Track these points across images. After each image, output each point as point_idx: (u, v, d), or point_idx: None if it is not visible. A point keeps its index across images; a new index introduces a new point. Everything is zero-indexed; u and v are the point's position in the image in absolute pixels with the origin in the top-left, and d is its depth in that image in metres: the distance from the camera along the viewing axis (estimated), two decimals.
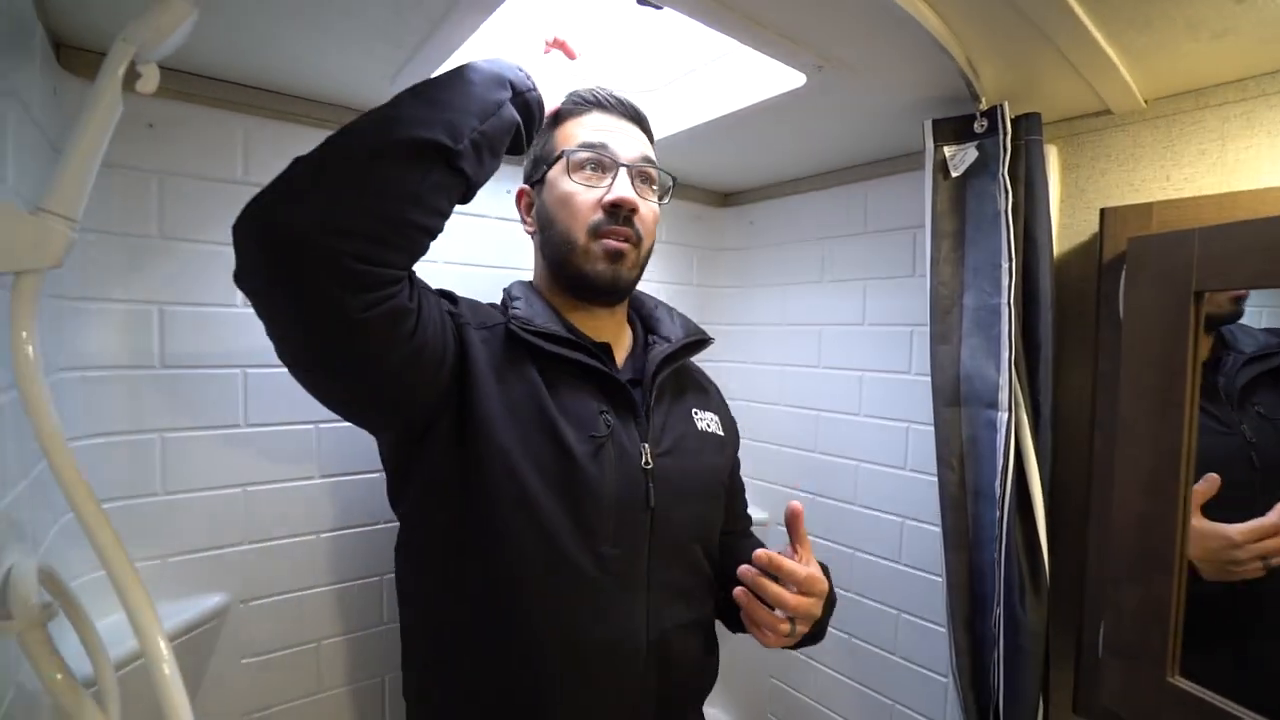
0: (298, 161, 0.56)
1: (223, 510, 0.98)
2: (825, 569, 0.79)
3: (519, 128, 0.69)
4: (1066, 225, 1.00)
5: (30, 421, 0.52)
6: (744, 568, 0.73)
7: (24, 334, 0.52)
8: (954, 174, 0.95)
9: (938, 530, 0.99)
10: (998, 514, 0.90)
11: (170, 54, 0.59)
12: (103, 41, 0.83)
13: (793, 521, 0.75)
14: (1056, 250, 0.97)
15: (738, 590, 0.74)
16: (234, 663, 0.99)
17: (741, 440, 1.03)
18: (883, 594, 1.28)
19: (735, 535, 0.97)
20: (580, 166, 0.80)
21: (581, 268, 0.80)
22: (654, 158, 0.86)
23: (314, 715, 1.07)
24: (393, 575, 1.11)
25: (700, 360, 0.99)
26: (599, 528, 0.73)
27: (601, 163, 0.80)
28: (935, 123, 0.96)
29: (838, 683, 1.37)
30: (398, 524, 0.81)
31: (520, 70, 0.69)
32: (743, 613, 0.75)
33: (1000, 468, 0.90)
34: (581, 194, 0.80)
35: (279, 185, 0.55)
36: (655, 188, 0.86)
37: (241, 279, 0.57)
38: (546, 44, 0.81)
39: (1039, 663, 0.89)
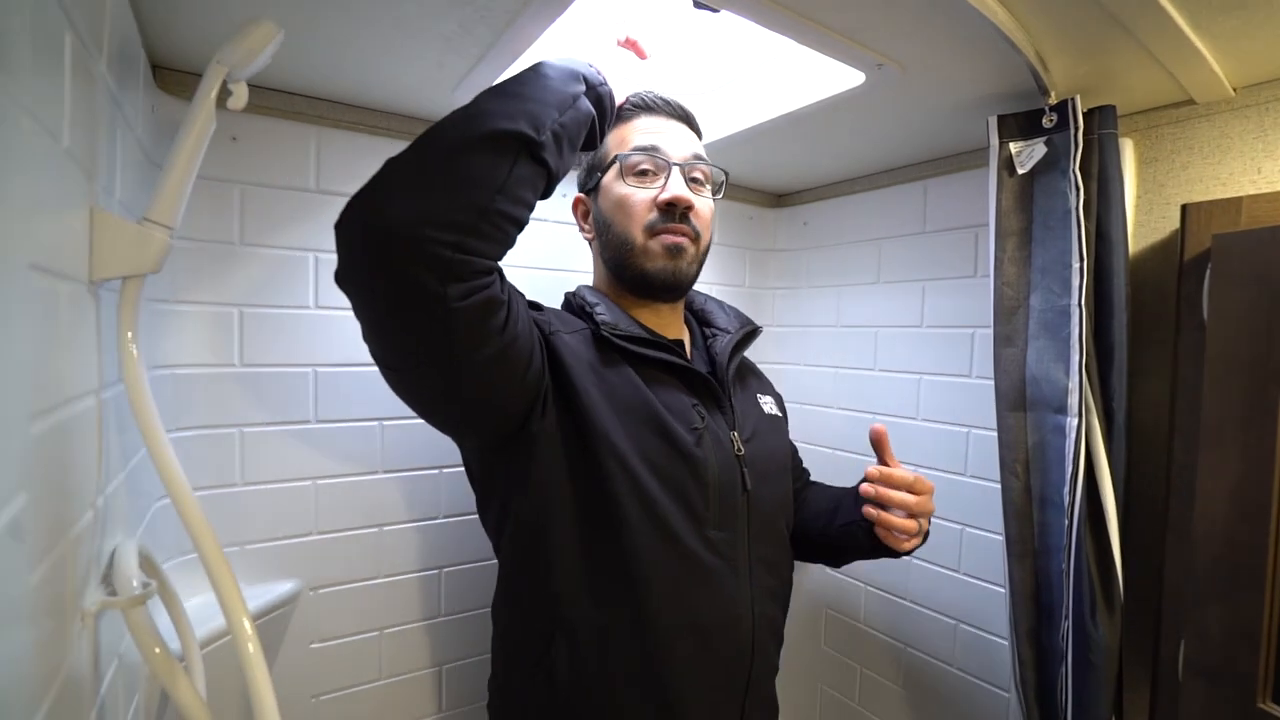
0: (391, 162, 0.58)
1: (294, 501, 1.03)
2: None
3: (593, 122, 0.71)
4: (1143, 223, 0.96)
5: (134, 416, 0.56)
6: (864, 486, 0.81)
7: (129, 334, 0.56)
8: (1020, 171, 0.92)
9: (999, 538, 0.96)
10: (1066, 523, 0.87)
11: (258, 71, 0.63)
12: (194, 62, 0.89)
13: (879, 441, 0.83)
14: (1132, 249, 0.93)
15: (867, 508, 0.81)
16: (304, 647, 1.04)
17: (794, 444, 1.05)
18: (940, 603, 1.25)
19: (800, 488, 1.02)
20: (633, 169, 0.82)
21: (643, 266, 0.82)
22: (704, 155, 0.87)
23: (376, 700, 1.11)
24: (450, 569, 1.17)
25: (753, 361, 1.02)
26: (705, 514, 0.77)
27: (654, 164, 0.82)
28: (1000, 118, 0.93)
29: (893, 693, 1.34)
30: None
31: (591, 66, 0.72)
32: (877, 527, 0.82)
33: (1069, 475, 0.86)
34: (636, 195, 0.82)
35: (376, 183, 0.57)
36: (708, 184, 0.87)
37: (343, 276, 0.59)
38: (618, 41, 0.83)
39: (1111, 681, 0.85)
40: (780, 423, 0.96)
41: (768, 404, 0.94)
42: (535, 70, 0.66)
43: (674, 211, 0.81)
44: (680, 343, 0.86)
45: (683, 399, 0.80)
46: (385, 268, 0.56)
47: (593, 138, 0.72)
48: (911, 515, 0.79)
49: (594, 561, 0.74)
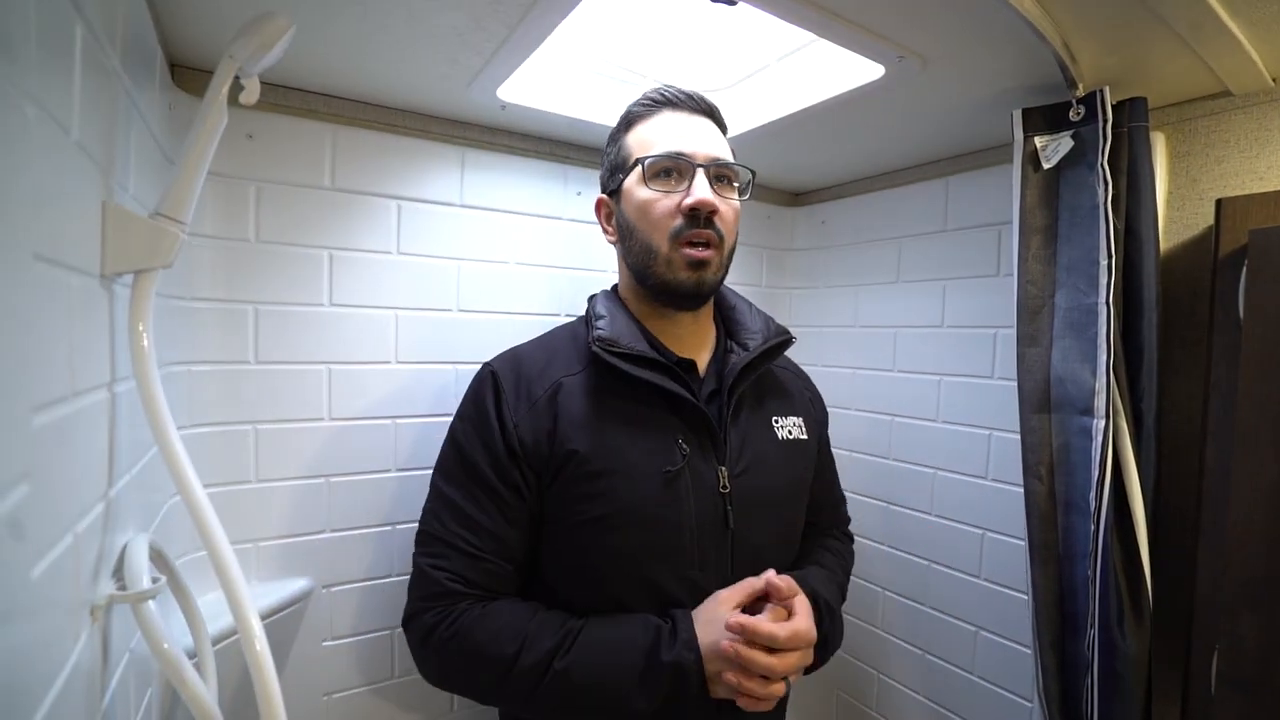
0: (454, 677, 0.79)
1: (308, 499, 1.03)
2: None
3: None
4: (1175, 219, 0.92)
5: (144, 409, 0.56)
6: (725, 644, 0.69)
7: (140, 328, 0.56)
8: (1046, 166, 0.89)
9: (1022, 544, 0.93)
10: (1092, 528, 0.84)
11: (270, 67, 0.63)
12: (211, 61, 0.89)
13: (770, 595, 0.73)
14: (1163, 245, 0.90)
15: (727, 675, 0.70)
16: (316, 644, 1.04)
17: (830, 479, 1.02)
18: (960, 610, 1.22)
19: (813, 526, 0.95)
20: (656, 173, 0.79)
21: (664, 277, 0.79)
22: (729, 152, 0.83)
23: (388, 699, 1.11)
24: None
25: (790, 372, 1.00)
26: (683, 556, 0.76)
27: (678, 166, 0.79)
28: (1026, 112, 0.90)
29: (910, 700, 1.31)
30: None
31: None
32: (732, 690, 0.70)
33: (1095, 479, 0.83)
34: (660, 201, 0.78)
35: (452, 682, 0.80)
36: (735, 184, 0.83)
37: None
38: None
39: (1140, 693, 0.82)
40: (799, 448, 0.89)
41: (786, 428, 0.88)
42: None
43: (698, 217, 0.77)
44: (691, 362, 0.83)
45: (667, 434, 0.78)
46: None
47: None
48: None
49: (583, 600, 0.77)
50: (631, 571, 0.75)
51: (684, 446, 0.77)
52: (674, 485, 0.75)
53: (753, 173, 0.85)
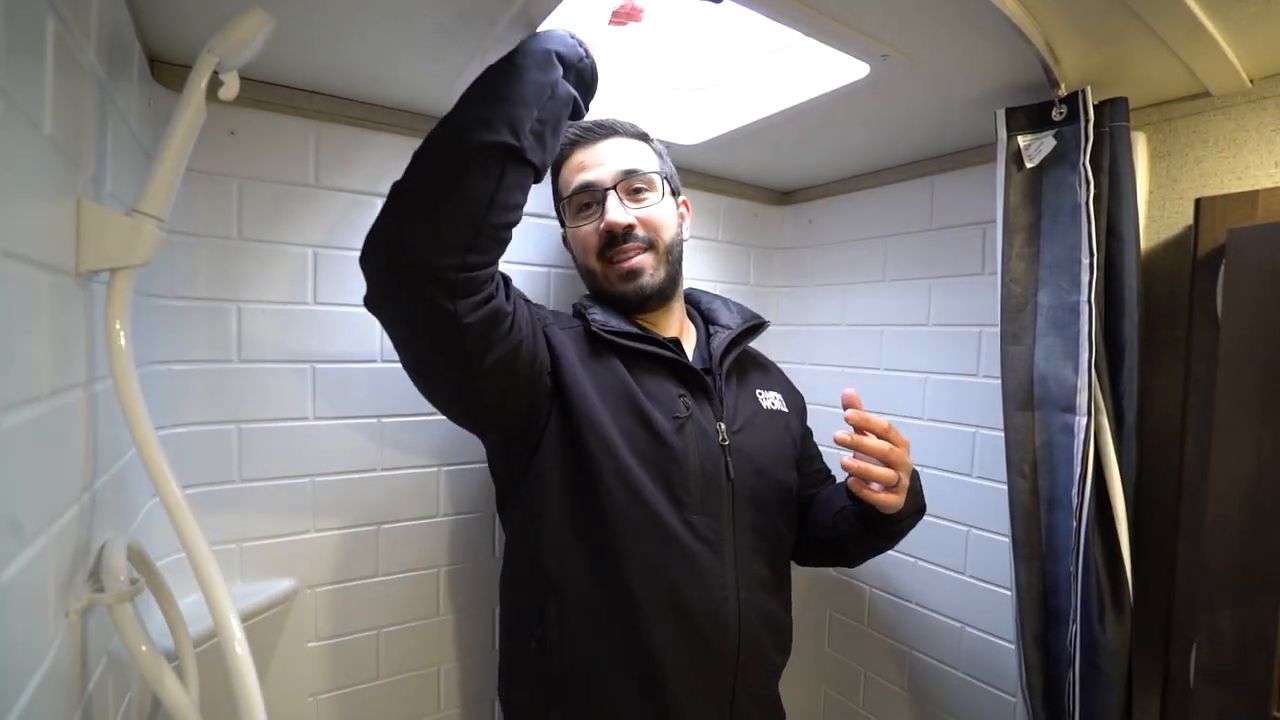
0: (395, 189, 0.64)
1: (292, 499, 1.02)
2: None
3: (576, 99, 0.72)
4: (1155, 218, 0.93)
5: (121, 408, 0.55)
6: (839, 434, 0.77)
7: (117, 326, 0.55)
8: (1029, 165, 0.90)
9: (1006, 541, 0.94)
10: (1074, 524, 0.85)
11: (249, 61, 0.62)
12: (193, 56, 0.87)
13: (851, 404, 0.78)
14: (1144, 244, 0.91)
15: (844, 459, 0.79)
16: (300, 645, 1.03)
17: (818, 446, 1.08)
18: (945, 606, 1.23)
19: (817, 489, 1.02)
20: (578, 209, 0.91)
21: (609, 290, 0.90)
22: (647, 157, 0.91)
23: (373, 700, 1.10)
24: (448, 568, 1.16)
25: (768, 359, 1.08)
26: (687, 499, 0.80)
27: (592, 198, 0.89)
28: (1009, 111, 0.91)
29: (896, 696, 1.32)
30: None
31: (571, 38, 0.71)
32: (851, 481, 0.80)
33: (1078, 475, 0.84)
34: (584, 230, 0.90)
35: (386, 216, 0.64)
36: (655, 189, 0.90)
37: (372, 303, 0.68)
38: (612, 18, 0.80)
39: (1121, 687, 0.83)
40: (783, 418, 0.97)
41: (769, 399, 0.96)
42: (510, 60, 0.67)
43: (615, 236, 0.87)
44: (676, 340, 0.89)
45: (670, 389, 0.84)
46: (413, 297, 0.63)
47: (578, 112, 0.74)
48: (888, 465, 0.78)
49: (583, 540, 0.79)
50: (641, 511, 0.78)
51: (686, 402, 0.84)
52: (681, 433, 0.81)
53: (668, 173, 0.94)
